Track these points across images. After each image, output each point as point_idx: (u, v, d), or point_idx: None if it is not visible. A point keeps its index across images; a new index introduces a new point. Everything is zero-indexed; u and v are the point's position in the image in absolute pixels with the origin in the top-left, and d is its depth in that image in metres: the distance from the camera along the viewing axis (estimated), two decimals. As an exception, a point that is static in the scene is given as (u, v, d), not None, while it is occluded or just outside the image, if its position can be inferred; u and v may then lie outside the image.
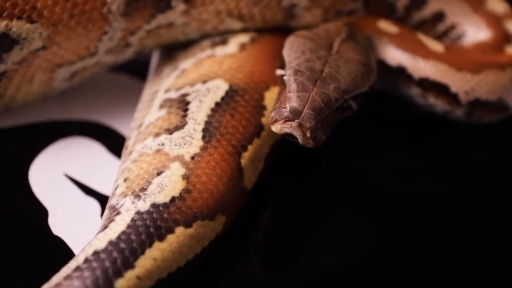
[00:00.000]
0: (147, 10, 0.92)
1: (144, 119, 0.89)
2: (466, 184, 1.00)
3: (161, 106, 0.88)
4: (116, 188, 0.81)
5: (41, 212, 0.88)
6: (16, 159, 0.95)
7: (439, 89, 0.96)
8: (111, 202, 0.80)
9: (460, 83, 0.95)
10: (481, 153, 1.02)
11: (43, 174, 0.93)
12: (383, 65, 0.96)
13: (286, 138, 0.81)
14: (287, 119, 0.78)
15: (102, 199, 0.90)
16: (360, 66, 0.89)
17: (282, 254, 0.88)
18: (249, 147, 0.83)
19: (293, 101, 0.80)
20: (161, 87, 0.93)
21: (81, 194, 0.92)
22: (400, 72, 0.97)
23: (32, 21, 0.85)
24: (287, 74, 0.84)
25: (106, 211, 0.80)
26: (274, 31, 0.99)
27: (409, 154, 1.02)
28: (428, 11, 1.03)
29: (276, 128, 0.79)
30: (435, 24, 1.04)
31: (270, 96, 0.90)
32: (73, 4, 0.87)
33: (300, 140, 0.79)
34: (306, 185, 0.97)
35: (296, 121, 0.78)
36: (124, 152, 0.88)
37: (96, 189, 0.92)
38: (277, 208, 0.95)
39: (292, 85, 0.82)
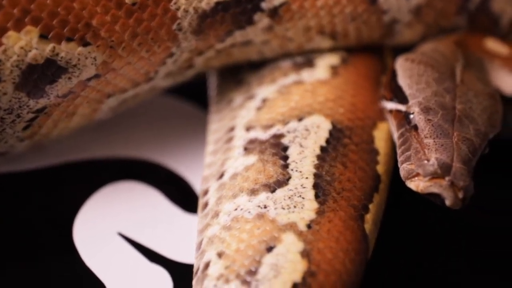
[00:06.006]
0: (224, 26, 0.74)
1: (224, 167, 0.71)
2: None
3: (247, 150, 0.70)
4: (208, 265, 0.63)
5: (98, 288, 0.71)
6: (54, 213, 0.75)
7: (560, 122, 0.83)
8: (205, 286, 0.62)
9: None
10: None
11: (91, 234, 0.73)
12: None
13: (426, 198, 0.66)
14: (435, 176, 0.62)
15: (173, 267, 0.71)
16: (491, 101, 0.73)
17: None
18: (371, 206, 0.67)
19: (436, 151, 0.63)
20: (237, 122, 0.75)
21: (144, 260, 0.73)
22: None
23: (85, 44, 0.65)
24: (415, 112, 0.68)
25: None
26: (365, 50, 0.83)
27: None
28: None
29: (418, 186, 0.62)
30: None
31: (379, 137, 0.73)
32: (136, 20, 0.67)
33: (448, 202, 0.63)
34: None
35: (447, 178, 0.62)
36: (204, 211, 0.69)
37: (162, 253, 0.73)
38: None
39: (427, 128, 0.66)
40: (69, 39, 0.65)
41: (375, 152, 0.71)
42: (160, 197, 0.78)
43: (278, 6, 0.75)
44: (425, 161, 0.63)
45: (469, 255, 0.75)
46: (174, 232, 0.74)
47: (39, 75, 0.65)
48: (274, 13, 0.75)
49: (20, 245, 0.72)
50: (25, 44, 0.63)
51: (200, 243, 0.67)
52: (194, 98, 0.86)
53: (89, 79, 0.68)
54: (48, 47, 0.64)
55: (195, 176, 0.80)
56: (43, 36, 0.63)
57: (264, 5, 0.74)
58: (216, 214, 0.67)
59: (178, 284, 0.69)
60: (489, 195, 0.84)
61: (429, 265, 0.73)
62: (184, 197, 0.77)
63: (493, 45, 0.84)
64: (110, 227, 0.74)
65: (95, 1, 0.65)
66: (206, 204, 0.70)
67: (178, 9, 0.70)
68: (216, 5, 0.72)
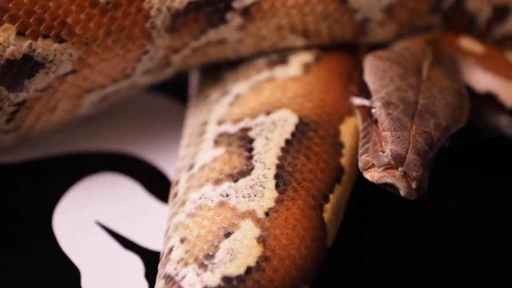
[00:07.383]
0: (197, 25, 0.78)
1: (195, 159, 0.74)
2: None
3: (217, 143, 0.74)
4: (171, 250, 0.67)
5: (72, 273, 0.72)
6: (37, 202, 0.79)
7: (535, 118, 0.84)
8: (166, 269, 0.65)
9: None
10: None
11: (70, 222, 0.77)
12: (468, 91, 0.84)
13: (383, 188, 0.68)
14: (388, 167, 0.65)
15: (145, 254, 0.75)
16: (456, 97, 0.75)
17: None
18: (331, 196, 0.69)
19: (392, 143, 0.66)
20: (211, 117, 0.78)
21: (118, 247, 0.77)
22: (489, 99, 0.83)
23: (61, 40, 0.70)
24: (376, 106, 0.70)
25: (161, 282, 0.65)
26: (340, 48, 0.86)
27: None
28: (511, 24, 0.91)
29: (373, 176, 0.65)
30: (516, 39, 0.92)
31: (346, 131, 0.75)
32: (110, 18, 0.71)
33: (402, 192, 0.65)
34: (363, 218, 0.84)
35: (400, 169, 0.64)
36: (174, 200, 0.73)
37: (136, 241, 0.76)
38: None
39: (386, 121, 0.68)
40: (45, 36, 0.69)
41: (340, 145, 0.73)
42: (138, 188, 0.81)
43: (250, 5, 0.78)
44: (380, 153, 0.66)
45: (433, 249, 0.77)
46: (149, 221, 0.77)
47: (17, 69, 0.69)
48: (246, 12, 0.78)
49: (2, 232, 0.76)
50: (3, 40, 0.67)
51: (167, 230, 0.70)
52: (176, 95, 0.90)
53: (66, 75, 0.72)
54: (25, 44, 0.68)
55: (173, 168, 0.83)
56: (20, 33, 0.68)
57: (235, 4, 0.77)
58: (183, 203, 0.70)
59: (149, 270, 0.73)
60: (465, 193, 0.87)
61: (391, 256, 0.76)
62: (161, 188, 0.80)
63: (468, 43, 0.86)
64: (89, 216, 0.78)
65: (70, 0, 0.70)
66: (175, 194, 0.73)
67: (151, 8, 0.74)
68: (189, 4, 0.75)
